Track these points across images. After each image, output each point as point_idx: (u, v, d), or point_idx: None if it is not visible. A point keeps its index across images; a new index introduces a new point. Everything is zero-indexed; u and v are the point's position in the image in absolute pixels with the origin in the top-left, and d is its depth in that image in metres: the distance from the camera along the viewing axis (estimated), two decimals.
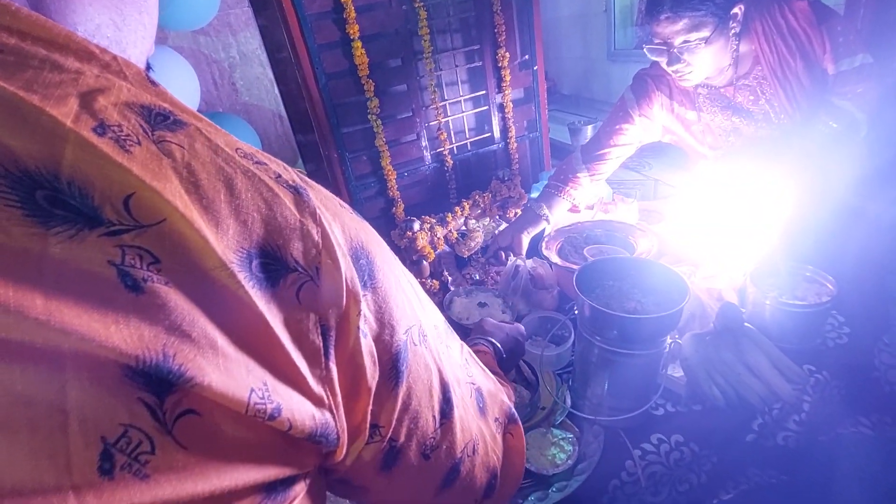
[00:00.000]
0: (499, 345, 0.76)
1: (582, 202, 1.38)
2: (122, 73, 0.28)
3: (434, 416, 0.40)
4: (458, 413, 0.43)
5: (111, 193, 0.23)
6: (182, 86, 1.28)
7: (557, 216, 1.36)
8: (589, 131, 2.47)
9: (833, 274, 0.94)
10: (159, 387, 0.23)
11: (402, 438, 0.38)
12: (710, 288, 1.04)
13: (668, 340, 0.82)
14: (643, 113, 1.29)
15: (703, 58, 1.07)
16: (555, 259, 1.17)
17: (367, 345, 0.33)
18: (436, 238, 1.46)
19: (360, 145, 1.48)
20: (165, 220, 0.24)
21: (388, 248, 0.38)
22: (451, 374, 0.43)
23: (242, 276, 0.26)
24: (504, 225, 1.53)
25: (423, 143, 1.57)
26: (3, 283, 0.21)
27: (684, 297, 0.73)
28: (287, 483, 0.30)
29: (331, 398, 0.31)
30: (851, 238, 1.07)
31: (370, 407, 0.34)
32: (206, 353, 0.25)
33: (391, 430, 0.36)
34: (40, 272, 0.22)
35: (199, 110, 1.38)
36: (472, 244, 1.47)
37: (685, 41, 1.05)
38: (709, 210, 1.25)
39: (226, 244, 0.26)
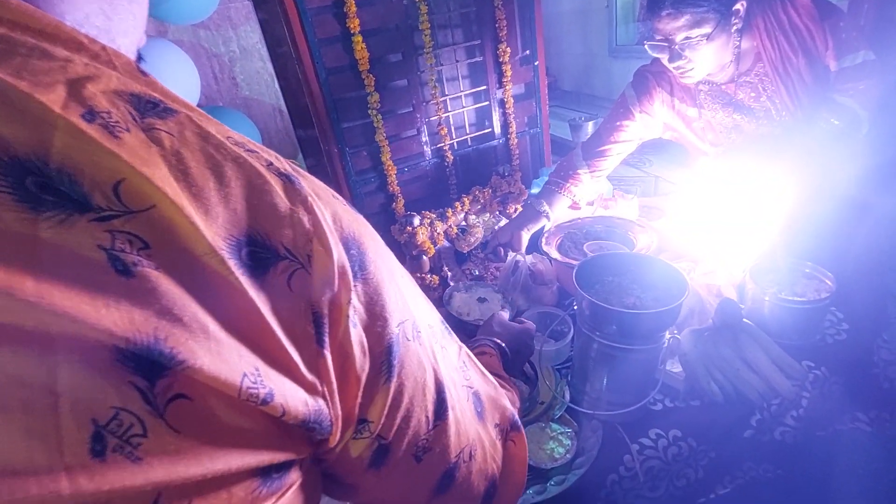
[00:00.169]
0: (503, 345, 0.75)
1: (582, 199, 1.38)
2: (112, 62, 0.28)
3: (427, 417, 0.39)
4: (453, 416, 0.42)
5: (100, 179, 0.23)
6: (182, 80, 1.28)
7: (558, 213, 1.36)
8: (590, 128, 2.46)
9: (833, 271, 0.94)
10: (150, 370, 0.24)
11: (392, 436, 0.37)
12: (709, 284, 1.04)
13: (667, 336, 0.82)
14: (644, 109, 1.29)
15: (705, 54, 1.07)
16: (554, 255, 1.17)
17: (357, 334, 0.33)
18: (436, 233, 1.46)
19: (360, 140, 1.48)
20: (155, 207, 0.24)
21: (382, 242, 0.38)
22: (447, 375, 0.42)
23: (232, 263, 0.26)
24: (504, 221, 1.53)
25: (424, 139, 1.57)
26: None
27: (683, 292, 0.74)
28: (282, 469, 0.31)
29: (324, 385, 0.31)
30: (854, 234, 1.07)
31: (359, 399, 0.34)
32: (198, 336, 0.25)
33: (380, 426, 0.36)
34: (31, 255, 0.22)
35: (199, 104, 1.38)
36: (472, 239, 1.47)
37: (687, 38, 1.04)
38: (709, 207, 1.25)
39: (215, 231, 0.26)
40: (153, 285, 0.24)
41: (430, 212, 1.51)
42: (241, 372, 0.26)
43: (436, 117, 1.55)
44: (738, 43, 1.08)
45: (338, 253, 0.31)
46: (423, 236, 1.40)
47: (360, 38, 1.34)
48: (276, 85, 1.57)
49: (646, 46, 1.12)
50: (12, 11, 0.25)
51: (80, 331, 0.22)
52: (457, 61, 1.54)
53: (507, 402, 0.54)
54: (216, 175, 0.27)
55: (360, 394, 0.34)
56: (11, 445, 0.21)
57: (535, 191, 1.54)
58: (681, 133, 1.34)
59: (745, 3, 1.04)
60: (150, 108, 0.27)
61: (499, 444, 0.50)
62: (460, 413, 0.43)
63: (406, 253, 1.43)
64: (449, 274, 1.37)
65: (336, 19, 1.32)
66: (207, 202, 0.26)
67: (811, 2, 1.04)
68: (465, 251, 1.47)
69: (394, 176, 1.53)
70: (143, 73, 0.30)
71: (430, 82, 1.50)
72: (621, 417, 0.83)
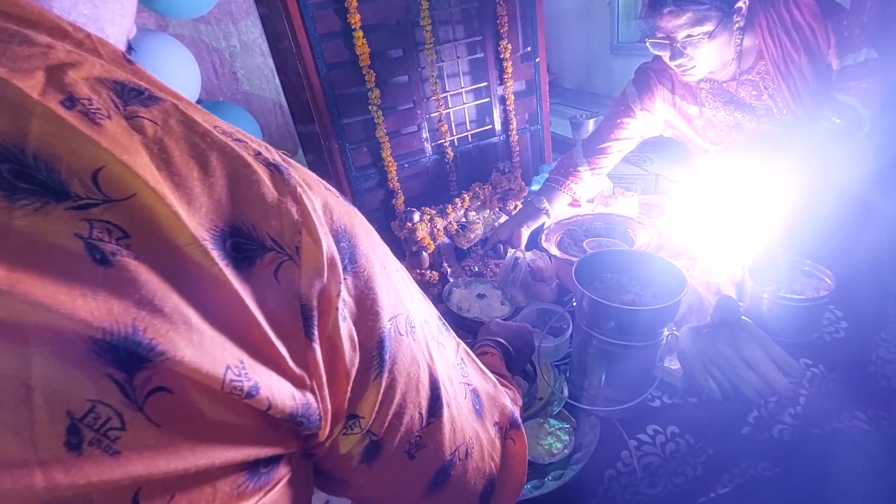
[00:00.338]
0: (505, 342, 0.75)
1: (582, 196, 1.38)
2: (97, 50, 0.28)
3: (421, 414, 0.38)
4: (448, 413, 0.41)
5: (79, 167, 0.23)
6: (183, 74, 1.27)
7: (558, 210, 1.36)
8: (591, 125, 2.46)
9: (833, 269, 0.94)
10: (128, 362, 0.23)
11: (384, 432, 0.36)
12: (708, 281, 1.04)
13: (666, 333, 0.82)
14: (645, 107, 1.29)
15: (707, 52, 1.06)
16: (554, 251, 1.17)
17: (347, 328, 0.32)
18: (435, 229, 1.46)
19: (360, 136, 1.48)
20: (136, 195, 0.24)
21: (375, 235, 0.37)
22: (443, 372, 0.42)
23: (216, 254, 0.26)
24: (504, 217, 1.53)
25: (424, 135, 1.57)
26: None
27: (682, 289, 0.74)
28: (269, 465, 0.30)
29: (313, 379, 0.30)
30: (859, 233, 1.07)
31: (348, 394, 0.33)
32: (179, 328, 0.24)
33: (371, 421, 0.35)
34: (4, 244, 0.21)
35: (199, 99, 1.38)
36: (472, 236, 1.48)
37: (688, 35, 1.04)
38: (709, 204, 1.25)
39: (198, 221, 0.25)
40: (132, 275, 0.23)
41: (430, 208, 1.51)
42: (224, 364, 0.25)
43: (436, 114, 1.55)
44: (739, 41, 1.08)
45: (327, 244, 0.30)
46: (422, 232, 1.41)
47: (360, 34, 1.33)
48: (277, 80, 1.57)
49: (647, 44, 1.12)
50: None
51: (55, 321, 0.21)
52: (458, 57, 1.53)
53: (508, 400, 0.54)
54: (200, 164, 0.26)
55: (349, 388, 0.33)
56: None
57: (535, 188, 1.54)
58: (682, 131, 1.34)
59: (747, 1, 1.03)
60: (133, 96, 0.26)
61: (498, 443, 0.49)
62: (456, 410, 0.43)
63: (406, 249, 1.43)
64: (448, 270, 1.37)
65: (337, 14, 1.32)
66: (190, 191, 0.25)
67: (814, 0, 1.04)
68: (464, 247, 1.48)
69: (394, 172, 1.53)
70: (130, 62, 0.29)
71: (431, 78, 1.49)
72: (619, 413, 0.84)
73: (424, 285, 1.34)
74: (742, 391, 0.82)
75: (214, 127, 0.28)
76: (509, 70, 1.59)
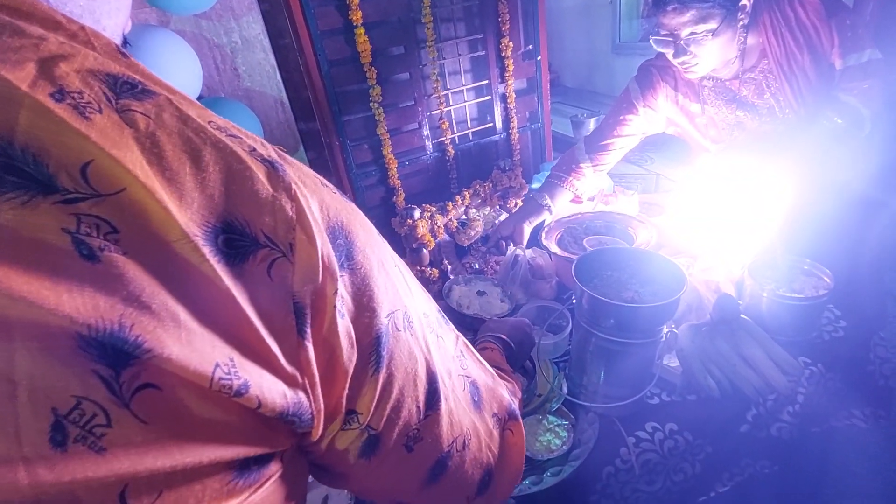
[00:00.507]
0: (505, 337, 0.76)
1: (584, 193, 1.38)
2: (90, 42, 0.27)
3: (418, 407, 0.39)
4: (446, 406, 0.41)
5: (67, 161, 0.22)
6: (184, 70, 1.27)
7: (560, 206, 1.36)
8: (591, 124, 2.46)
9: (833, 269, 0.94)
10: (115, 359, 0.23)
11: (382, 427, 0.36)
12: (707, 280, 1.04)
13: (665, 330, 0.82)
14: (647, 104, 1.29)
15: (710, 50, 1.06)
16: (554, 249, 1.17)
17: (344, 326, 0.32)
18: (436, 226, 1.46)
19: (361, 133, 1.48)
20: (125, 190, 0.23)
21: (373, 230, 0.37)
22: (442, 365, 0.42)
23: (208, 251, 0.25)
24: (504, 215, 1.54)
25: (425, 133, 1.57)
26: None
27: (681, 287, 0.74)
28: (260, 462, 0.30)
29: (305, 378, 0.30)
30: (852, 232, 1.07)
31: (346, 391, 0.33)
32: (167, 325, 0.24)
33: (370, 417, 0.35)
34: None
35: (200, 95, 1.38)
36: (473, 233, 1.48)
37: (692, 33, 1.04)
38: (709, 203, 1.25)
39: (189, 217, 0.25)
40: (120, 271, 0.23)
41: (430, 205, 1.51)
42: (213, 362, 0.25)
43: (437, 111, 1.55)
44: (743, 39, 1.08)
45: (322, 242, 0.30)
46: (423, 229, 1.41)
47: (362, 31, 1.33)
48: (278, 77, 1.57)
49: (651, 41, 1.12)
50: None
51: (39, 316, 0.21)
52: (459, 55, 1.53)
53: (506, 392, 0.54)
54: (193, 159, 0.26)
55: (346, 385, 0.33)
56: None
57: (535, 186, 1.55)
58: (684, 129, 1.34)
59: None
60: (126, 90, 0.26)
61: (496, 434, 0.50)
62: (454, 403, 0.43)
63: (406, 246, 1.43)
64: (449, 267, 1.38)
65: (338, 11, 1.32)
66: (182, 186, 0.25)
67: None
68: (465, 245, 1.48)
69: (395, 169, 1.53)
70: (124, 55, 0.29)
71: (432, 76, 1.50)
72: (618, 410, 0.84)
73: (424, 282, 1.34)
74: (741, 389, 0.82)
75: (209, 122, 0.28)
76: (510, 68, 1.59)
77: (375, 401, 0.35)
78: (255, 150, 0.29)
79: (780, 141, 1.15)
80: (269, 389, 0.28)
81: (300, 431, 0.32)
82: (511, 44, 1.55)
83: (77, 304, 0.22)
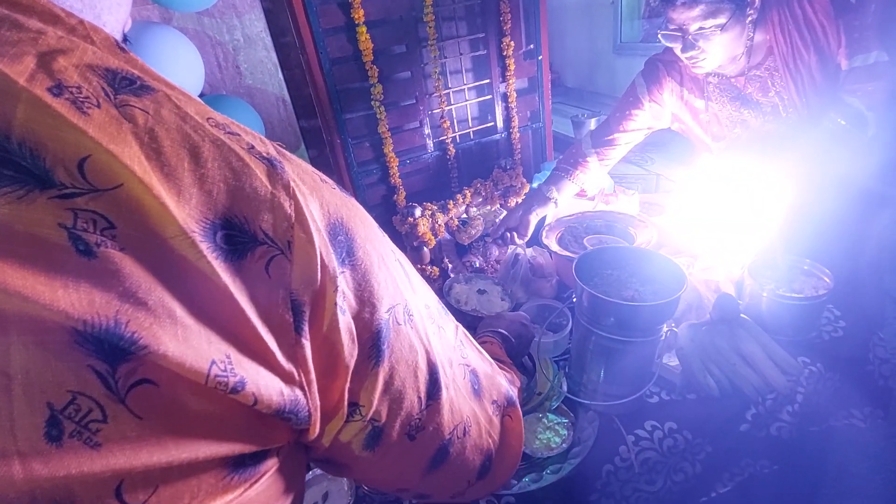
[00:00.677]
0: (503, 331, 0.76)
1: (590, 187, 1.38)
2: (89, 37, 0.27)
3: (420, 397, 0.39)
4: (447, 395, 0.42)
5: (64, 156, 0.22)
6: (187, 67, 1.28)
7: (565, 199, 1.36)
8: (592, 125, 2.46)
9: (833, 269, 0.94)
10: (111, 354, 0.23)
11: (385, 418, 0.37)
12: (707, 280, 1.04)
13: (665, 329, 0.82)
14: (653, 98, 1.29)
15: (718, 45, 1.06)
16: (555, 248, 1.17)
17: (346, 322, 0.32)
18: (437, 225, 1.47)
19: (362, 132, 1.48)
20: (122, 186, 0.23)
21: (373, 225, 0.37)
22: (443, 355, 0.42)
23: (205, 247, 0.25)
24: (505, 213, 1.54)
25: (426, 131, 1.57)
26: None
27: (681, 286, 0.74)
28: (256, 458, 0.30)
29: (302, 375, 0.30)
30: (853, 233, 1.08)
31: (348, 385, 0.34)
32: (163, 322, 0.24)
33: (372, 409, 0.36)
34: None
35: (202, 92, 1.38)
36: (473, 232, 1.48)
37: (701, 28, 1.03)
38: (709, 203, 1.25)
39: (187, 213, 0.25)
40: (116, 267, 0.23)
41: (431, 203, 1.51)
42: (209, 359, 0.25)
43: (438, 110, 1.55)
44: (751, 35, 1.07)
45: (320, 241, 0.30)
46: (424, 227, 1.41)
47: (364, 29, 1.34)
48: (280, 74, 1.57)
49: (659, 36, 1.11)
50: None
51: (35, 311, 0.21)
52: (460, 54, 1.53)
53: (504, 380, 0.56)
54: (192, 155, 0.26)
55: (348, 380, 0.33)
56: None
57: (536, 185, 1.55)
58: (687, 125, 1.34)
59: None
60: (125, 85, 0.26)
61: (496, 420, 0.51)
62: (454, 391, 0.44)
63: (407, 244, 1.44)
64: (449, 266, 1.38)
65: (340, 9, 1.32)
66: (180, 183, 0.25)
67: None
68: (465, 243, 1.48)
69: (396, 168, 1.53)
70: (123, 50, 0.29)
71: (434, 75, 1.50)
72: (618, 409, 0.84)
73: (425, 280, 1.34)
74: (740, 388, 0.82)
75: (208, 119, 0.28)
76: (512, 67, 1.59)
77: (378, 393, 0.36)
78: (253, 147, 0.29)
79: (783, 141, 1.15)
80: (266, 386, 0.28)
81: (297, 428, 0.32)
82: (512, 43, 1.55)
83: (73, 299, 0.22)
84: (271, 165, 0.29)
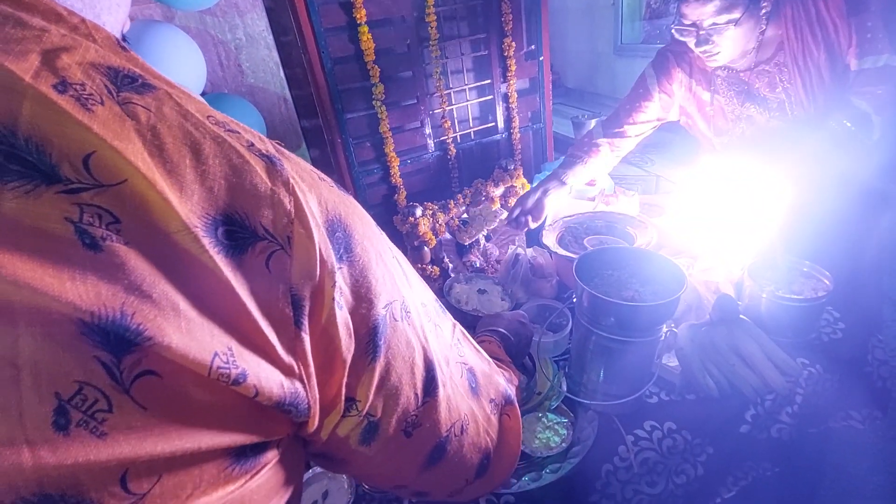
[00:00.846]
0: (502, 330, 0.77)
1: (601, 175, 1.38)
2: (91, 35, 0.28)
3: (416, 394, 0.39)
4: (444, 392, 0.42)
5: (69, 151, 0.23)
6: (189, 66, 1.28)
7: (576, 183, 1.36)
8: (593, 125, 2.46)
9: (832, 271, 0.94)
10: (117, 346, 0.23)
11: (381, 413, 0.37)
12: (707, 280, 1.05)
13: (664, 329, 0.83)
14: (663, 90, 1.29)
15: (731, 39, 1.05)
16: (555, 248, 1.17)
17: (343, 317, 0.32)
18: (437, 224, 1.47)
19: (364, 131, 1.48)
20: (126, 181, 0.24)
21: (371, 223, 0.38)
22: (440, 352, 0.43)
23: (207, 242, 0.26)
24: (505, 213, 1.54)
25: (427, 131, 1.57)
26: None
27: (681, 287, 0.74)
28: (257, 449, 0.30)
29: (302, 368, 0.31)
30: (853, 235, 1.08)
31: (345, 380, 0.34)
32: (167, 314, 0.24)
33: (368, 404, 0.36)
34: None
35: (204, 91, 1.38)
36: (473, 231, 1.48)
37: (714, 23, 1.03)
38: (709, 204, 1.25)
39: (190, 208, 0.25)
40: (122, 260, 0.23)
41: (432, 203, 1.52)
42: (211, 351, 0.26)
43: (439, 110, 1.56)
44: (763, 29, 1.06)
45: (319, 236, 0.31)
46: (424, 227, 1.41)
47: (366, 29, 1.34)
48: (282, 73, 1.57)
49: (672, 30, 1.11)
50: None
51: (43, 302, 0.22)
52: (462, 54, 1.54)
53: (502, 378, 0.56)
54: (193, 152, 0.27)
55: (345, 374, 0.34)
56: None
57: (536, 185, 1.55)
58: (693, 119, 1.33)
59: None
60: (127, 83, 0.26)
61: (494, 418, 0.51)
62: (451, 389, 0.44)
63: (408, 243, 1.44)
64: (450, 265, 1.38)
65: (342, 9, 1.33)
66: (182, 179, 0.26)
67: None
68: (466, 243, 1.48)
69: (396, 167, 1.54)
70: (124, 48, 0.29)
71: (435, 75, 1.50)
72: (617, 409, 0.84)
73: (425, 280, 1.34)
74: (739, 389, 0.83)
75: (208, 117, 0.29)
76: (513, 68, 1.59)
77: (374, 389, 0.36)
78: (253, 144, 0.30)
79: (786, 140, 1.15)
80: (267, 379, 0.28)
81: (297, 421, 0.32)
82: (513, 44, 1.56)
83: (80, 291, 0.22)
84: (270, 162, 0.30)
